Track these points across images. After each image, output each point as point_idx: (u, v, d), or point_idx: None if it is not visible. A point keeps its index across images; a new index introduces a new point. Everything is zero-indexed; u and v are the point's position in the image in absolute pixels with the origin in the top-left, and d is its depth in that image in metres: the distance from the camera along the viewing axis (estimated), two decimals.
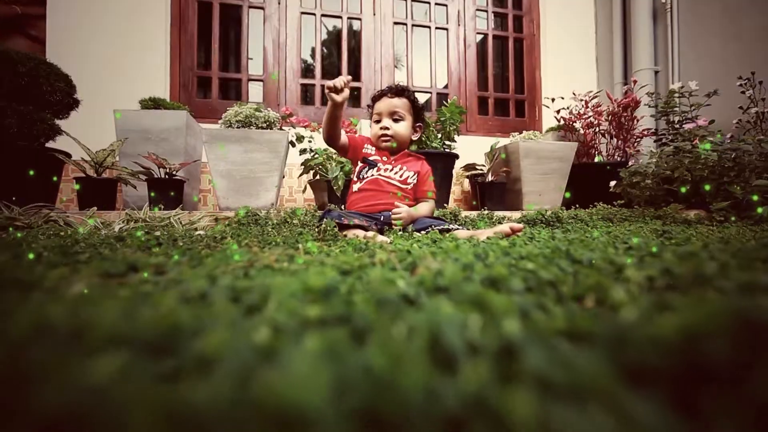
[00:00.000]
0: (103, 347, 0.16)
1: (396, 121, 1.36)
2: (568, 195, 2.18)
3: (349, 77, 1.20)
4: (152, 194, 1.73)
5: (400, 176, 1.36)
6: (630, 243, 0.72)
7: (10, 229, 1.16)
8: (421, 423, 0.12)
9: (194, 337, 0.18)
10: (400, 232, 1.14)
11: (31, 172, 1.57)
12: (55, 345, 0.17)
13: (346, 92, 1.20)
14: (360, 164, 1.38)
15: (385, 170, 1.35)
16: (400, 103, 1.36)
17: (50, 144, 1.72)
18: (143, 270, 0.47)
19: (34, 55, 1.69)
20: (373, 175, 1.35)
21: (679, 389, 0.16)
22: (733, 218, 1.68)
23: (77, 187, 1.68)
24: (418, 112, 1.41)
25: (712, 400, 0.15)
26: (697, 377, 0.16)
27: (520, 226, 1.02)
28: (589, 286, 0.35)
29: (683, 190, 1.82)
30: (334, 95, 1.18)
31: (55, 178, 1.71)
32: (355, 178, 1.40)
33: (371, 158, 1.37)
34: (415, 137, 1.42)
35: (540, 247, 0.69)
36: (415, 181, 1.38)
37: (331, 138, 1.32)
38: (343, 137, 1.36)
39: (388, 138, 1.35)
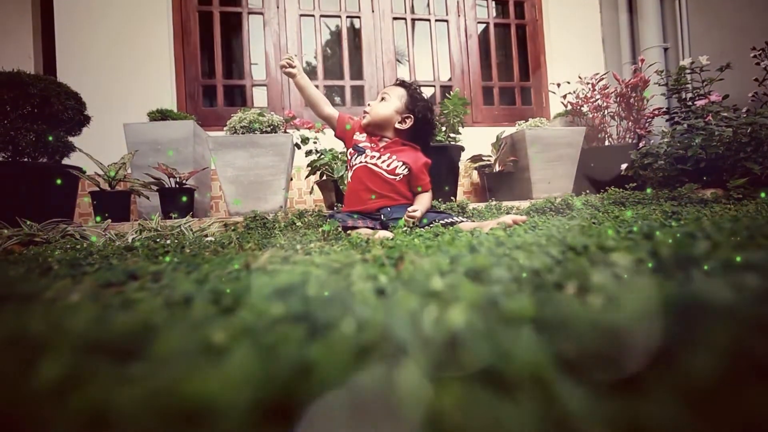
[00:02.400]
0: (57, 351, 0.17)
1: (381, 102, 1.42)
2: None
3: (290, 54, 1.40)
4: (164, 203, 1.78)
5: (388, 165, 1.36)
6: (633, 227, 0.70)
7: (31, 247, 1.21)
8: (337, 415, 0.13)
9: (152, 340, 0.19)
10: (405, 229, 1.14)
11: (49, 188, 1.63)
12: (20, 349, 0.18)
13: (297, 64, 1.38)
14: (350, 151, 1.42)
15: (372, 157, 1.37)
16: (392, 90, 1.43)
17: (65, 160, 1.79)
18: (142, 278, 0.49)
19: (45, 76, 1.75)
20: (361, 162, 1.37)
21: (620, 373, 0.16)
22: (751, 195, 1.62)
23: (86, 200, 1.74)
24: (412, 103, 1.40)
25: (651, 381, 0.15)
26: (638, 360, 0.16)
27: (524, 218, 1.02)
28: (572, 273, 0.35)
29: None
30: (289, 70, 1.37)
31: (77, 198, 1.77)
32: (347, 167, 1.45)
33: (361, 145, 1.40)
34: (400, 125, 1.40)
35: (539, 235, 0.68)
36: (405, 173, 1.37)
37: (312, 107, 1.46)
38: (332, 111, 1.46)
39: (366, 114, 1.42)
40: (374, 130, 1.42)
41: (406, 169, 1.37)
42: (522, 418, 0.14)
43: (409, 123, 1.40)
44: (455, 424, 0.14)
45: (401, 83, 1.45)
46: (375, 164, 1.36)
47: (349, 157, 1.44)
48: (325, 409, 0.14)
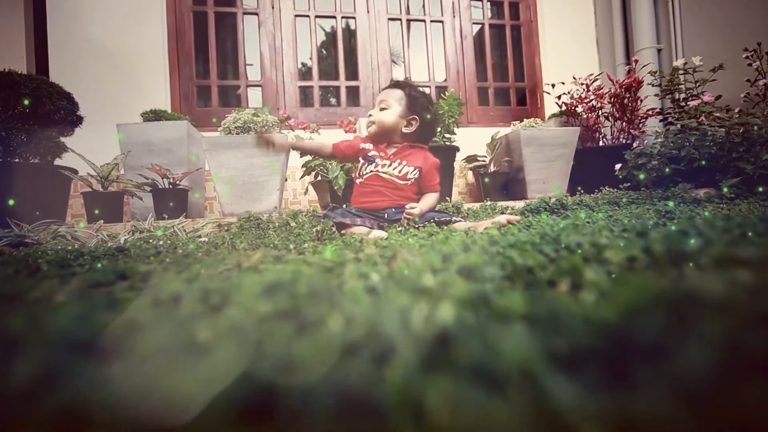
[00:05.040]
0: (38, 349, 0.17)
1: (382, 110, 1.38)
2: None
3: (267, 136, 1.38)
4: (157, 204, 1.76)
5: (399, 171, 1.35)
6: (626, 225, 0.70)
7: (21, 248, 1.19)
8: (323, 413, 0.12)
9: (135, 337, 0.18)
10: (400, 228, 1.14)
11: (41, 189, 1.61)
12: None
13: (276, 138, 1.36)
14: (361, 161, 1.40)
15: (383, 165, 1.35)
16: (390, 94, 1.39)
17: (57, 161, 1.77)
18: (131, 278, 0.48)
19: (36, 76, 1.73)
20: (371, 171, 1.36)
21: (609, 367, 0.16)
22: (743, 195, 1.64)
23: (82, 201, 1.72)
24: (413, 104, 1.38)
25: (641, 376, 0.15)
26: (627, 355, 0.16)
27: (517, 217, 1.02)
28: (565, 270, 0.35)
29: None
30: (277, 148, 1.37)
31: (79, 195, 1.75)
32: (357, 175, 1.42)
33: (370, 154, 1.39)
34: (406, 129, 1.38)
35: (532, 234, 0.68)
36: (416, 176, 1.36)
37: (316, 156, 1.45)
38: (328, 148, 1.45)
39: (371, 124, 1.40)
40: (381, 139, 1.40)
41: (417, 173, 1.36)
42: (512, 415, 0.14)
43: (415, 125, 1.38)
44: (444, 420, 0.14)
45: (396, 84, 1.43)
46: (386, 172, 1.35)
47: (359, 167, 1.41)
48: (311, 406, 0.13)
